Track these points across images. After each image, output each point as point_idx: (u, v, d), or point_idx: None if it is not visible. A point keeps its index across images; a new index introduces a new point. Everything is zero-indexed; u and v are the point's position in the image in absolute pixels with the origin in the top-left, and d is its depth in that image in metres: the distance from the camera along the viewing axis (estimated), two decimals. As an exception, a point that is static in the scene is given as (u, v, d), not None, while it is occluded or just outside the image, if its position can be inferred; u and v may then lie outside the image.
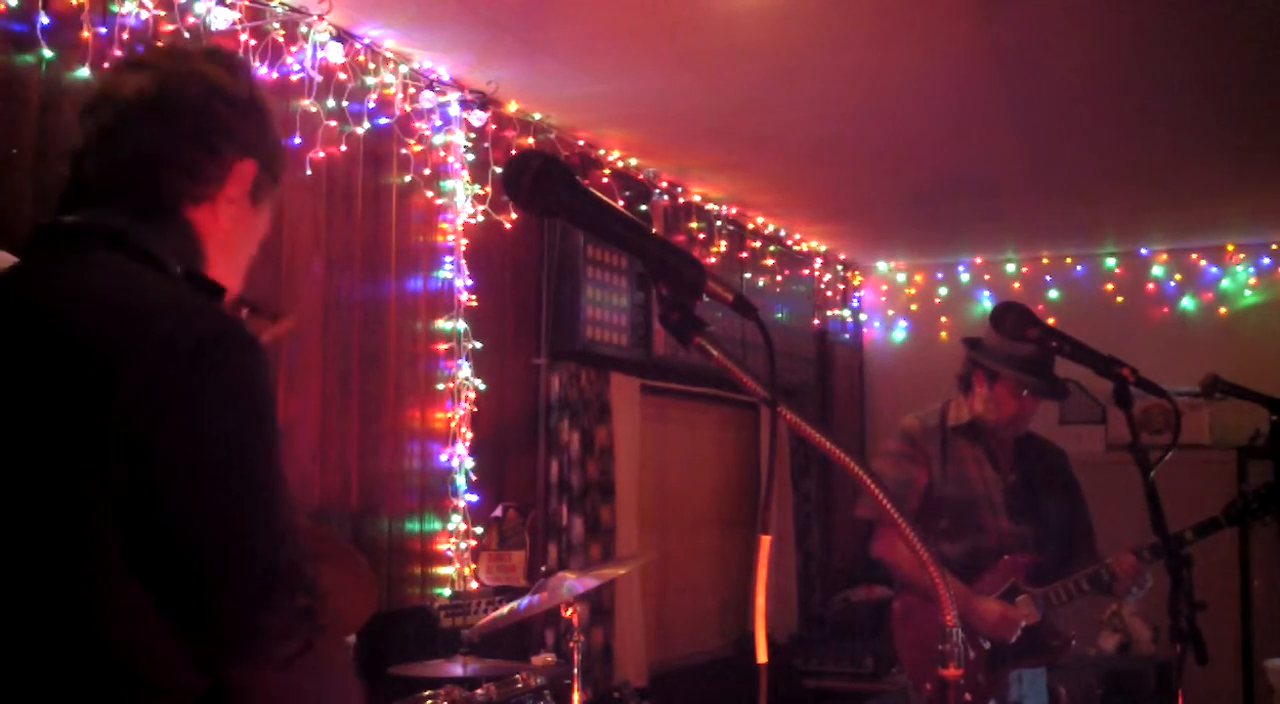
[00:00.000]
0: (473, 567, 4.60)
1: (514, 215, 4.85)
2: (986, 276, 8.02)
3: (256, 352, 1.42)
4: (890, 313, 8.34)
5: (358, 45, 4.14)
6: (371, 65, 4.21)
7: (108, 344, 1.36)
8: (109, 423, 1.32)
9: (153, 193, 1.53)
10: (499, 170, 4.73)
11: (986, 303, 7.82)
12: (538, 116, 5.03)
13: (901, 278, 8.33)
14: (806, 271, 7.64)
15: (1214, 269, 7.50)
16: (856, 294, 8.37)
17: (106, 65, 3.27)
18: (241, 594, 1.35)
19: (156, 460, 1.33)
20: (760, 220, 6.98)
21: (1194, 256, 7.52)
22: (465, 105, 4.64)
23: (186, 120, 1.54)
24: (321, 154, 3.99)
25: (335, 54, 3.98)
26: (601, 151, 5.50)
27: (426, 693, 3.50)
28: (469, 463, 4.61)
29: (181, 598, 1.35)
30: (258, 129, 1.61)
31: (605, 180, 5.48)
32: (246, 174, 1.59)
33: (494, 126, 4.81)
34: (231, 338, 1.40)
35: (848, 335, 8.20)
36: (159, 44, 3.22)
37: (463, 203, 4.66)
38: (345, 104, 4.08)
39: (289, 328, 3.50)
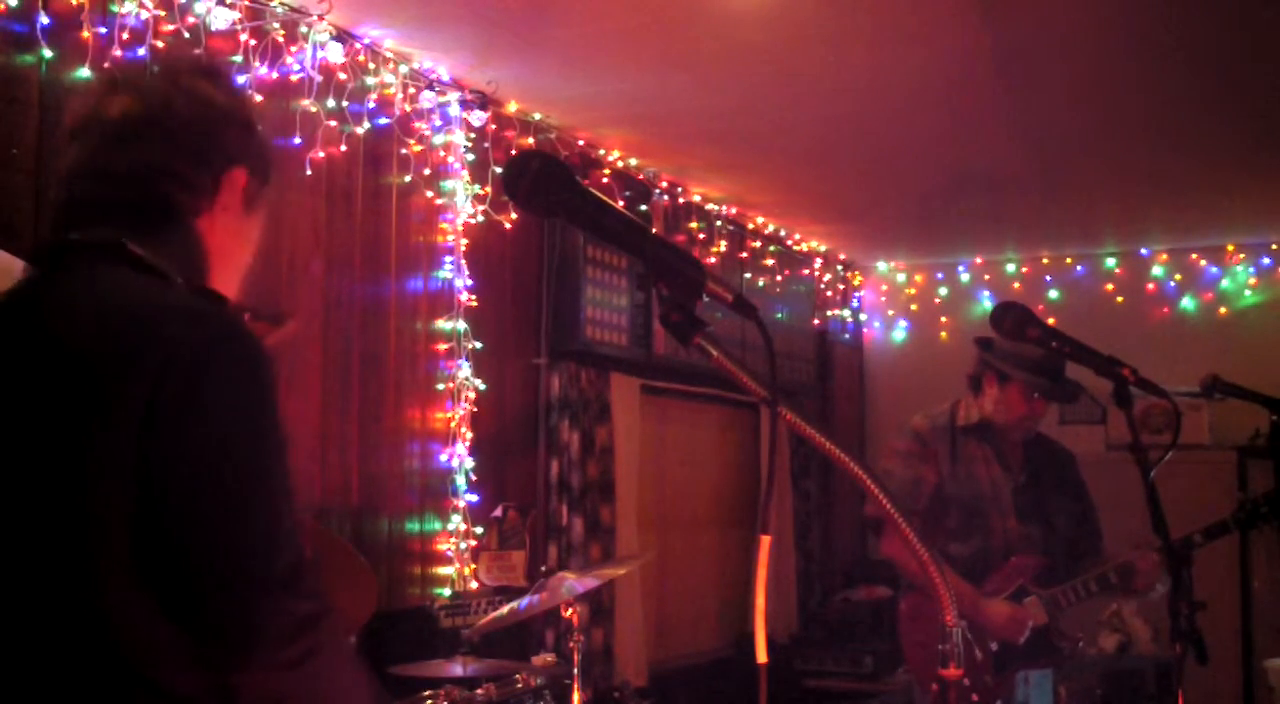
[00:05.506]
0: (473, 567, 4.60)
1: (514, 215, 4.85)
2: (986, 276, 8.01)
3: (261, 354, 1.46)
4: (890, 313, 8.34)
5: (358, 45, 4.14)
6: (371, 65, 4.21)
7: (116, 353, 1.39)
8: (119, 427, 1.35)
9: (153, 206, 1.55)
10: (499, 170, 4.73)
11: (986, 303, 7.81)
12: (538, 116, 5.03)
13: (901, 278, 8.33)
14: (806, 271, 7.63)
15: (1214, 269, 7.49)
16: (856, 294, 8.37)
17: (106, 65, 3.27)
18: (242, 595, 1.37)
19: (165, 464, 1.36)
20: (760, 220, 6.97)
21: (1194, 256, 7.51)
22: (465, 105, 4.64)
23: (176, 135, 1.57)
24: (321, 154, 3.99)
25: (335, 54, 3.98)
26: (601, 151, 5.50)
27: (426, 693, 3.49)
28: (469, 463, 4.60)
29: (184, 598, 1.36)
30: (244, 137, 1.64)
31: (605, 180, 5.48)
32: (237, 182, 1.62)
33: (494, 126, 4.81)
34: (237, 342, 1.44)
35: (848, 335, 8.20)
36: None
37: (463, 203, 4.66)
38: (345, 104, 4.08)
39: (292, 331, 3.51)
